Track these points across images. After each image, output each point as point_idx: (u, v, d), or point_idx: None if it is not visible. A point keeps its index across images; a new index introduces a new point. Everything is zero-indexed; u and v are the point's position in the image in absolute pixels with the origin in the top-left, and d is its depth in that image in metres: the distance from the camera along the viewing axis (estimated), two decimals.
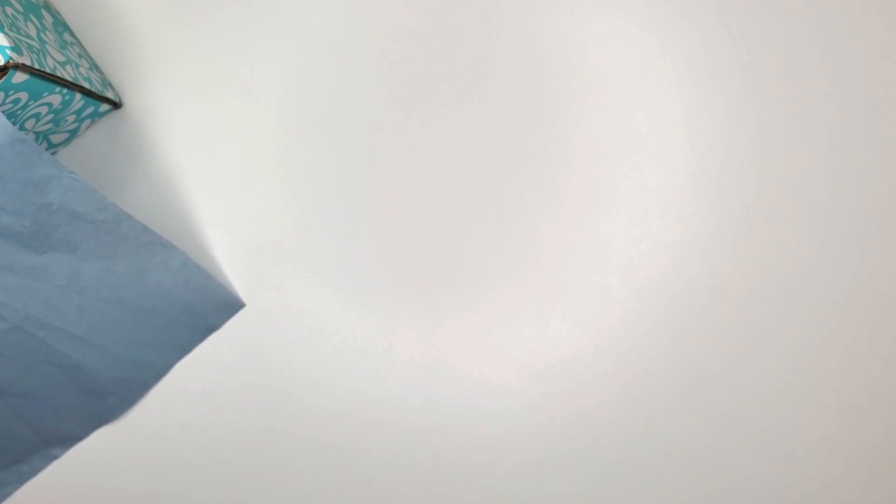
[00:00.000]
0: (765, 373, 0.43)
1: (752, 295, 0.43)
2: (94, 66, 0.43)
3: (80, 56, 0.42)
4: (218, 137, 0.44)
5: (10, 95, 0.35)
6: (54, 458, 0.42)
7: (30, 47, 0.35)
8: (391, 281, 0.44)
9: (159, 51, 0.44)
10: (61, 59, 0.38)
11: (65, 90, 0.38)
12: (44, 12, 0.41)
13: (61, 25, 0.43)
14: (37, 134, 0.39)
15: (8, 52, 0.33)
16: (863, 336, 0.43)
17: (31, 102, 0.36)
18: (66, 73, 0.38)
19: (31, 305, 0.36)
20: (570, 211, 0.44)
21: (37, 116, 0.38)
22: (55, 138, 0.41)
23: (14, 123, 0.36)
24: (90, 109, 0.41)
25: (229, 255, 0.44)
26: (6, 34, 0.34)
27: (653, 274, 0.43)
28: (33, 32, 0.38)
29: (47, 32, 0.40)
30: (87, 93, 0.40)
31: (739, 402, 0.43)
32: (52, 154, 0.42)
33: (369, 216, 0.44)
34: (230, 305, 0.42)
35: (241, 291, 0.43)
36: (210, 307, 0.41)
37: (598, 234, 0.44)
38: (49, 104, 0.38)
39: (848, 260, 0.44)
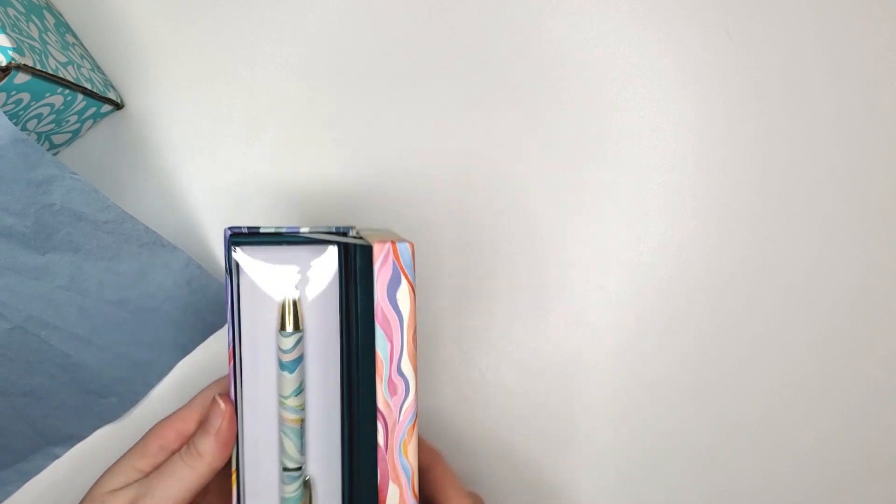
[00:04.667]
0: (765, 373, 0.43)
1: (753, 295, 0.43)
2: (96, 67, 0.43)
3: (81, 57, 0.42)
4: (219, 138, 0.44)
5: (12, 96, 0.35)
6: (56, 457, 0.42)
7: (32, 48, 0.36)
8: None
9: (161, 52, 0.44)
10: (63, 60, 0.39)
11: (67, 91, 0.38)
12: (46, 13, 0.41)
13: (63, 26, 0.43)
14: (39, 134, 0.40)
15: (10, 53, 0.33)
16: (864, 336, 0.43)
17: (33, 103, 0.36)
18: (68, 74, 0.38)
19: (34, 305, 0.36)
20: (569, 211, 0.44)
21: (39, 117, 0.38)
22: (57, 139, 0.42)
23: (16, 124, 0.36)
24: (92, 110, 0.42)
25: None
26: (8, 35, 0.34)
27: (653, 274, 0.43)
28: (35, 33, 0.38)
29: (49, 33, 0.40)
30: (88, 93, 0.40)
31: (739, 402, 0.43)
32: (54, 154, 0.43)
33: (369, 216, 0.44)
34: None
35: None
36: (212, 307, 0.41)
37: (599, 234, 0.44)
38: (51, 105, 0.38)
39: (849, 259, 0.44)
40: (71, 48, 0.41)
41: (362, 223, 0.44)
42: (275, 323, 0.34)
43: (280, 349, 0.34)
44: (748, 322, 0.43)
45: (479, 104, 0.44)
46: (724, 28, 0.45)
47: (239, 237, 0.34)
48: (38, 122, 0.38)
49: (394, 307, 0.31)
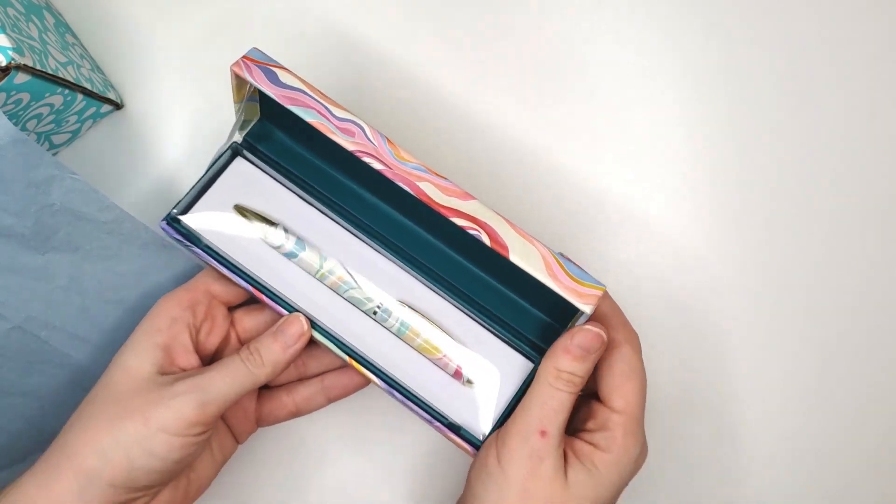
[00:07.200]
0: (764, 373, 0.43)
1: (752, 295, 0.44)
2: (96, 67, 0.43)
3: (81, 57, 0.42)
4: (219, 138, 0.44)
5: (11, 96, 0.35)
6: None
7: (31, 48, 0.36)
8: None
9: (160, 52, 0.44)
10: (63, 60, 0.39)
11: (66, 91, 0.38)
12: (45, 13, 0.41)
13: (63, 26, 0.43)
14: (38, 134, 0.40)
15: (10, 53, 0.33)
16: (865, 336, 0.43)
17: (32, 103, 0.36)
18: (68, 74, 0.38)
19: (33, 305, 0.36)
20: (569, 211, 0.44)
21: (38, 117, 0.38)
22: (57, 139, 0.42)
23: (16, 124, 0.36)
24: (92, 110, 0.42)
25: None
26: (8, 35, 0.34)
27: (652, 274, 0.44)
28: (35, 33, 0.38)
29: (49, 33, 0.40)
30: (88, 94, 0.40)
31: (739, 402, 0.43)
32: (54, 154, 0.43)
33: None
34: None
35: None
36: None
37: (598, 233, 0.44)
38: (51, 105, 0.38)
39: (849, 259, 0.44)
40: (71, 48, 0.41)
41: None
42: (258, 238, 0.37)
43: (277, 249, 0.36)
44: (748, 322, 0.43)
45: (477, 104, 0.44)
46: (725, 27, 0.45)
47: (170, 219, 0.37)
48: (38, 122, 0.38)
49: None
